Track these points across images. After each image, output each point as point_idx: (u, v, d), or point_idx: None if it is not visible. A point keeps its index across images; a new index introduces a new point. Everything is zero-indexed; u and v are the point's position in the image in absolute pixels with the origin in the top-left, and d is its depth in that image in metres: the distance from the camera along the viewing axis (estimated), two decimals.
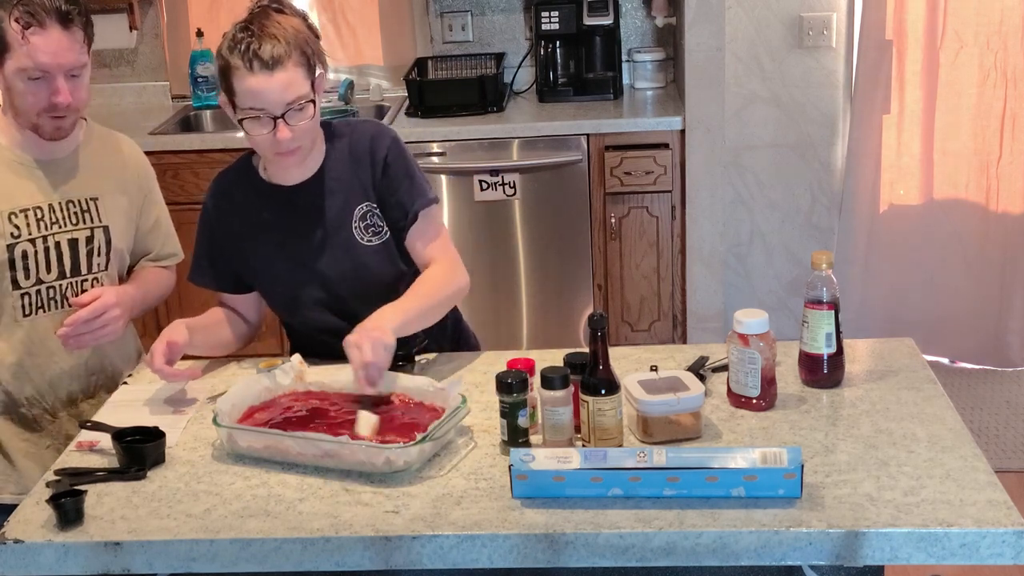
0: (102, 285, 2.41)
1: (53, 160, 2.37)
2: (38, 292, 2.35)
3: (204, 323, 2.39)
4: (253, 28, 2.17)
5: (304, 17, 2.26)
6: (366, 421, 1.99)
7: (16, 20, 2.19)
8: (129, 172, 2.48)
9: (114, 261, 2.44)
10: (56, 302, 2.36)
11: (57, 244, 2.36)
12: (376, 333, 2.07)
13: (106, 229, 2.41)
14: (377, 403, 2.09)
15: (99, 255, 2.41)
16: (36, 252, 2.34)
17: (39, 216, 2.34)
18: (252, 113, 2.17)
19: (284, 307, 2.41)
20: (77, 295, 2.37)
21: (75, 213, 2.38)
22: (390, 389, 2.11)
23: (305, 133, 2.21)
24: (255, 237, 2.35)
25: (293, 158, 2.24)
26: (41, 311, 2.35)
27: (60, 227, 2.36)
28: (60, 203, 2.37)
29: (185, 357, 2.33)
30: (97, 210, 2.41)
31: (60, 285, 2.37)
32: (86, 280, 2.39)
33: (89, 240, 2.39)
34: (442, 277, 2.27)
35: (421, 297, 2.22)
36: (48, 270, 2.35)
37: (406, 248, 2.35)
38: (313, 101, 2.20)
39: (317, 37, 2.25)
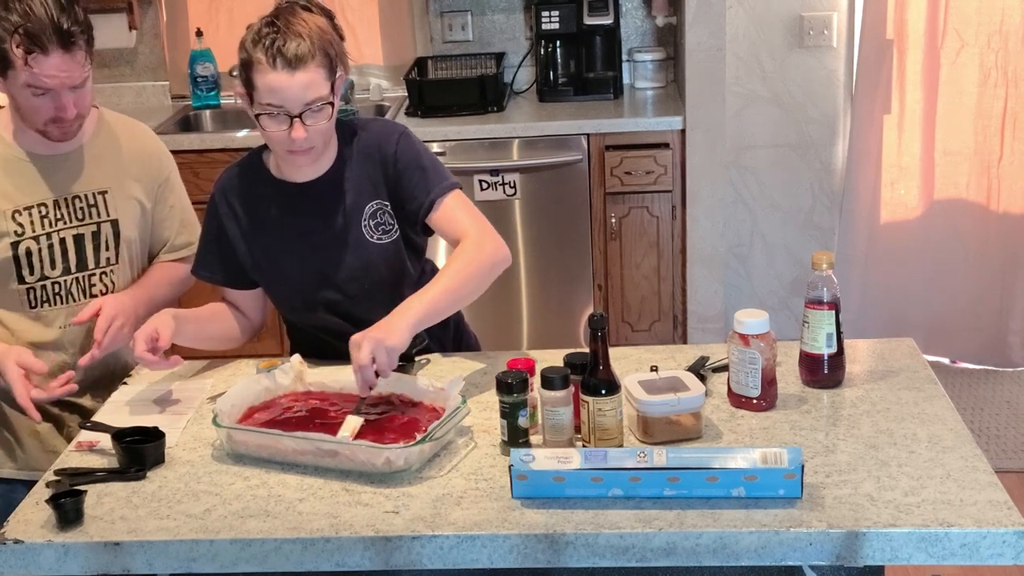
0: (112, 280, 2.42)
1: (58, 155, 2.37)
2: (43, 287, 2.36)
3: (197, 315, 2.38)
4: (279, 24, 2.16)
5: (331, 17, 2.25)
6: (348, 424, 1.99)
7: (18, 45, 2.17)
8: (144, 159, 2.47)
9: (125, 253, 2.43)
10: (61, 297, 2.37)
11: (62, 241, 2.36)
12: (380, 335, 2.04)
13: (114, 223, 2.41)
14: (376, 403, 2.09)
15: (107, 249, 2.41)
16: (40, 249, 2.34)
17: (43, 213, 2.34)
18: (270, 109, 2.17)
19: (288, 305, 2.40)
20: (84, 290, 2.39)
21: (81, 208, 2.38)
22: (390, 389, 2.11)
23: (320, 134, 2.21)
24: (262, 233, 2.35)
25: (306, 157, 2.24)
26: (47, 304, 2.37)
27: (65, 223, 2.36)
28: (65, 199, 2.37)
29: (188, 354, 2.33)
30: (105, 204, 2.40)
31: (65, 281, 2.37)
32: (93, 275, 2.40)
33: (96, 235, 2.39)
34: (470, 254, 2.22)
35: (448, 280, 2.18)
36: (53, 267, 2.36)
37: (421, 243, 2.35)
38: (331, 103, 2.20)
39: (341, 38, 2.25)
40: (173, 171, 2.55)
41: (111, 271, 2.42)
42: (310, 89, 2.15)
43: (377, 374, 2.04)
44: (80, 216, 2.38)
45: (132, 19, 4.48)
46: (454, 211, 2.29)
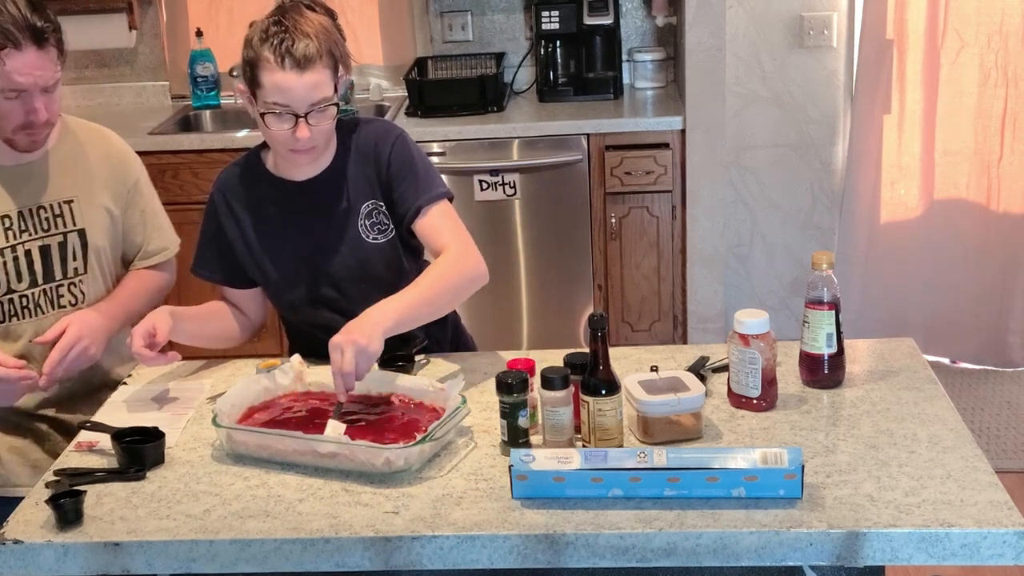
0: (81, 291, 2.37)
1: (22, 165, 2.32)
2: (11, 301, 2.32)
3: (196, 313, 2.38)
4: (287, 23, 2.16)
5: (334, 17, 2.26)
6: (332, 430, 1.98)
7: None
8: (108, 165, 2.42)
9: (94, 263, 2.39)
10: (30, 310, 2.33)
11: (27, 253, 2.31)
12: (362, 340, 2.02)
13: (81, 232, 2.36)
14: (376, 403, 2.09)
15: (75, 259, 2.36)
16: (5, 263, 2.29)
17: (7, 225, 2.30)
18: (275, 108, 2.17)
19: (286, 303, 2.40)
20: (52, 301, 2.35)
21: (46, 219, 2.33)
22: (390, 389, 2.11)
23: (323, 134, 2.22)
24: (260, 231, 2.35)
25: (307, 156, 2.25)
26: (15, 319, 2.32)
27: (30, 235, 2.31)
28: (30, 210, 2.32)
29: (186, 353, 2.33)
30: (72, 213, 2.35)
31: (33, 294, 2.33)
32: (61, 286, 2.35)
33: (62, 246, 2.35)
34: (449, 266, 2.23)
35: (424, 288, 2.18)
36: (19, 279, 2.31)
37: (417, 243, 2.35)
38: (336, 104, 2.21)
39: (343, 38, 2.25)
40: (142, 175, 2.50)
41: (79, 281, 2.37)
42: (317, 89, 2.16)
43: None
44: (45, 227, 2.33)
45: (132, 19, 4.48)
46: (439, 222, 2.29)
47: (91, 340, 2.28)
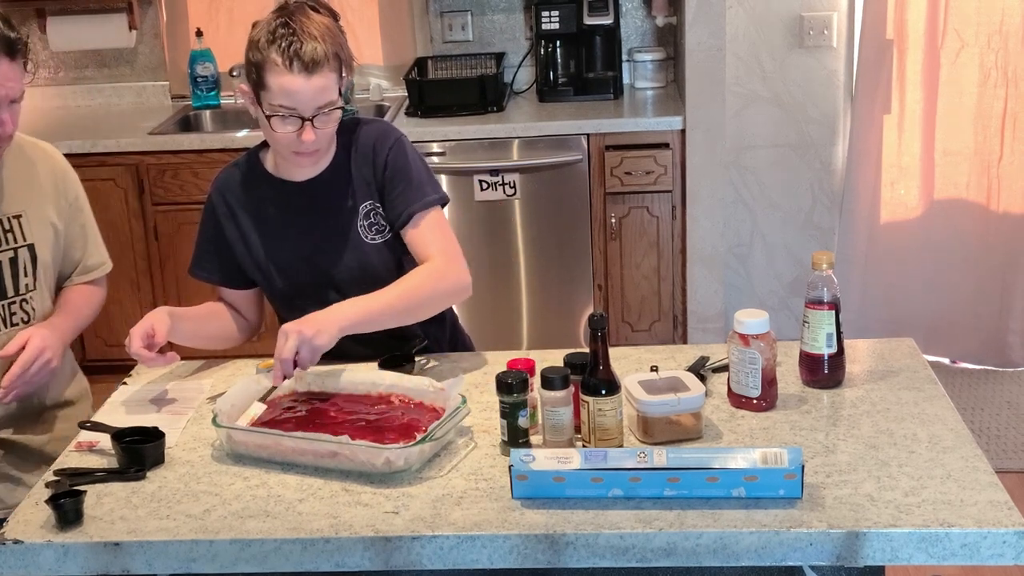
0: (32, 307, 2.34)
1: None
2: None
3: (194, 313, 2.38)
4: (294, 26, 2.15)
5: (336, 18, 2.26)
6: (250, 411, 2.02)
7: None
8: (52, 180, 2.39)
9: (42, 278, 2.35)
10: None
11: None
12: (309, 332, 2.05)
13: (31, 247, 2.33)
14: (376, 403, 2.09)
15: (26, 275, 2.32)
16: None
17: None
18: (281, 111, 2.16)
19: (286, 303, 2.40)
20: (4, 319, 2.31)
21: None
22: (390, 389, 2.11)
23: (327, 136, 2.22)
24: (261, 232, 2.35)
25: (310, 159, 2.25)
26: None
27: None
28: None
29: (185, 354, 2.32)
30: (21, 228, 2.32)
31: None
32: (13, 303, 2.31)
33: (13, 261, 2.31)
34: (429, 275, 2.23)
35: (395, 296, 2.19)
36: None
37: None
38: (342, 107, 2.20)
39: (345, 40, 2.25)
40: (80, 190, 2.46)
41: (30, 298, 2.34)
42: (323, 93, 2.16)
43: (296, 365, 2.07)
44: None
45: (132, 19, 4.49)
46: (427, 231, 2.28)
47: (52, 353, 2.27)
